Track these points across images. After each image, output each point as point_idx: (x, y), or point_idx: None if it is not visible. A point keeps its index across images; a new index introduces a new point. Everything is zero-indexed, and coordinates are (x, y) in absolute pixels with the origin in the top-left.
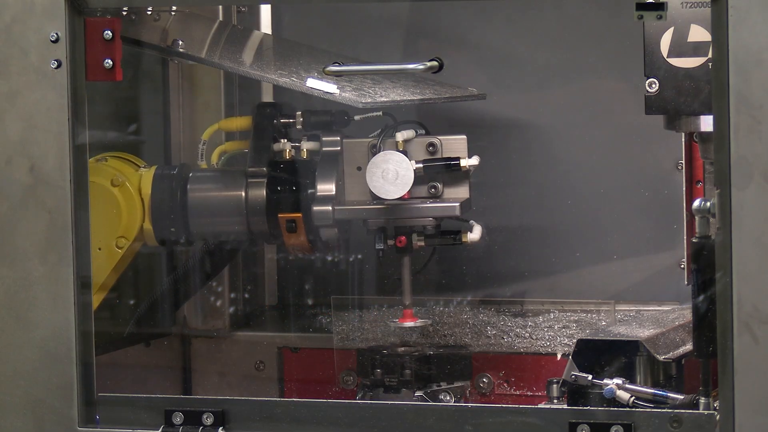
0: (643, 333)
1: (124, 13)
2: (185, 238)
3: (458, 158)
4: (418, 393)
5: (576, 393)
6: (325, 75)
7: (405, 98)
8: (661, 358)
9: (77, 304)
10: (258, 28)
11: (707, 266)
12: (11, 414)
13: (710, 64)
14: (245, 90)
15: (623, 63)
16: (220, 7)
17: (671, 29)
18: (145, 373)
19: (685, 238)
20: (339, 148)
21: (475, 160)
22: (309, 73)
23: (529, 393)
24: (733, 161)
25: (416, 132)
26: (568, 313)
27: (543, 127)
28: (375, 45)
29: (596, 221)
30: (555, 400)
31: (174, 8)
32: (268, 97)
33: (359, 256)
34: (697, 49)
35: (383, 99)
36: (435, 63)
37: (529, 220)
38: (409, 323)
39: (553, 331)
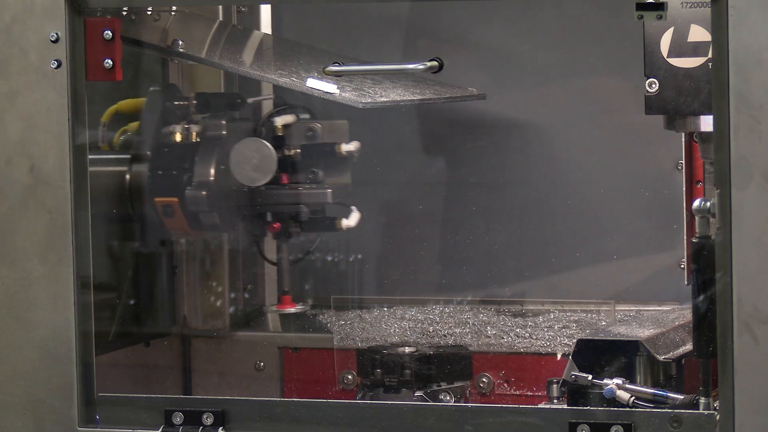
0: (643, 333)
1: (124, 13)
2: None
3: (334, 143)
4: (418, 393)
5: (576, 393)
6: (325, 75)
7: (405, 98)
8: (661, 358)
9: (77, 304)
10: (258, 28)
11: (707, 266)
12: (11, 414)
13: (710, 64)
14: (245, 90)
15: (623, 63)
16: (220, 7)
17: (671, 29)
18: (145, 373)
19: (685, 238)
20: (224, 132)
21: (353, 146)
22: (309, 73)
23: (529, 393)
24: (733, 161)
25: (298, 116)
26: (568, 313)
27: (543, 127)
28: (375, 45)
29: (596, 221)
30: (555, 400)
31: (174, 8)
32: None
33: (359, 256)
34: (697, 49)
35: (383, 99)
36: (435, 63)
37: (528, 220)
38: (289, 309)
39: (553, 331)
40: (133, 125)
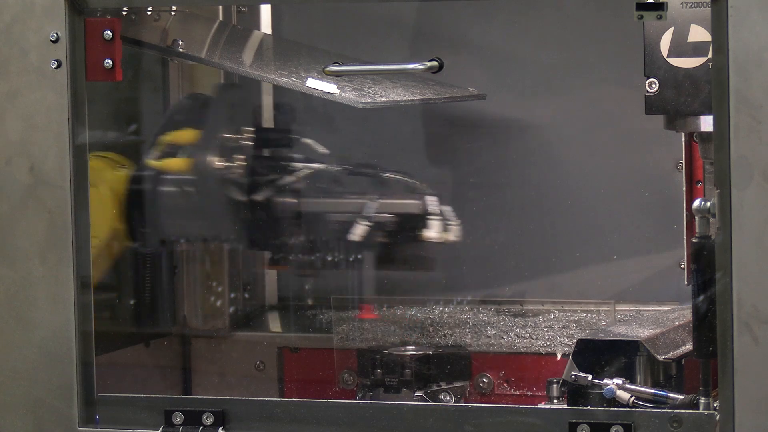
0: (643, 333)
1: (124, 13)
2: (157, 239)
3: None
4: (418, 393)
5: (576, 393)
6: (325, 75)
7: (405, 98)
8: (661, 358)
9: (77, 304)
10: (258, 28)
11: (707, 266)
12: (11, 414)
13: (710, 64)
14: (245, 90)
15: (623, 63)
16: (220, 7)
17: (671, 29)
18: (145, 373)
19: (685, 238)
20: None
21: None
22: (309, 73)
23: (529, 393)
24: (733, 161)
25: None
26: (568, 313)
27: (543, 127)
28: (375, 45)
29: (596, 221)
30: (555, 400)
31: (174, 8)
32: (268, 97)
33: (359, 256)
34: (697, 49)
35: (383, 99)
36: (435, 63)
37: (529, 220)
38: (368, 317)
39: (553, 331)
40: (176, 135)
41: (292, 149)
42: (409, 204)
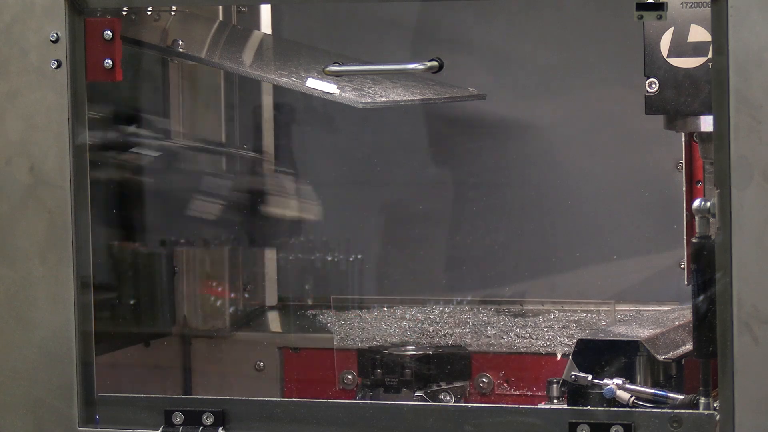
0: (643, 333)
1: (124, 13)
2: None
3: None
4: (418, 393)
5: (576, 393)
6: (325, 75)
7: (405, 98)
8: (661, 358)
9: (77, 304)
10: (258, 28)
11: (707, 266)
12: (11, 414)
13: (710, 64)
14: (245, 90)
15: (623, 63)
16: (220, 7)
17: (671, 29)
18: (145, 373)
19: (685, 238)
20: None
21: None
22: (309, 73)
23: (529, 393)
24: (733, 161)
25: None
26: (568, 313)
27: (543, 128)
28: (375, 45)
29: (596, 221)
30: (555, 400)
31: (174, 8)
32: (268, 97)
33: (359, 256)
34: (697, 49)
35: (383, 99)
36: (435, 63)
37: (529, 220)
38: (214, 294)
39: (553, 331)
40: None
41: (138, 127)
42: (254, 180)
